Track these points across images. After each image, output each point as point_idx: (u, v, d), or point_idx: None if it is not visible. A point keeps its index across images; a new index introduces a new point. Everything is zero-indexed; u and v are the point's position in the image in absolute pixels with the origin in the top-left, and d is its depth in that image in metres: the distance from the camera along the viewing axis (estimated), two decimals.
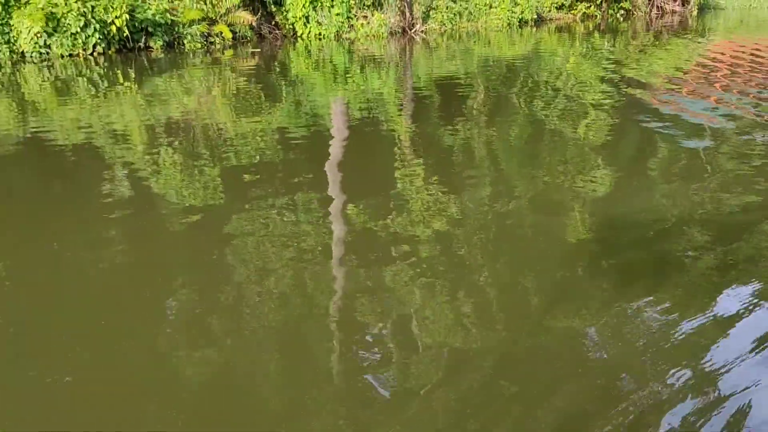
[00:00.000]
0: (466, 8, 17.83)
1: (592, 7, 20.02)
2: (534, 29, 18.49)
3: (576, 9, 19.82)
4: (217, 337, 3.88)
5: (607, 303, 4.02)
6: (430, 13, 17.33)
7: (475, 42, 16.63)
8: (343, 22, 15.98)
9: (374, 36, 16.27)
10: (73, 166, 7.07)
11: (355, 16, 16.24)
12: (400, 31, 16.58)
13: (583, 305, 4.01)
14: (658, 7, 21.71)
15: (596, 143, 7.53)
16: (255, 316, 4.06)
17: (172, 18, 13.90)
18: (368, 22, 16.28)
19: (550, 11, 19.45)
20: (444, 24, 17.40)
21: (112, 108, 9.53)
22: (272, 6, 15.77)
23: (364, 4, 16.27)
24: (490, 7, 18.20)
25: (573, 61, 13.65)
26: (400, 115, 9.34)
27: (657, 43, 16.64)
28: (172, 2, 14.12)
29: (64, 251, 5.02)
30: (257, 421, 3.17)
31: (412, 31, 16.76)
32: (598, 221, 5.31)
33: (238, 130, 8.18)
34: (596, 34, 18.02)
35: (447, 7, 17.44)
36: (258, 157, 7.07)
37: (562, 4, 19.63)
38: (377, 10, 16.44)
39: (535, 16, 18.74)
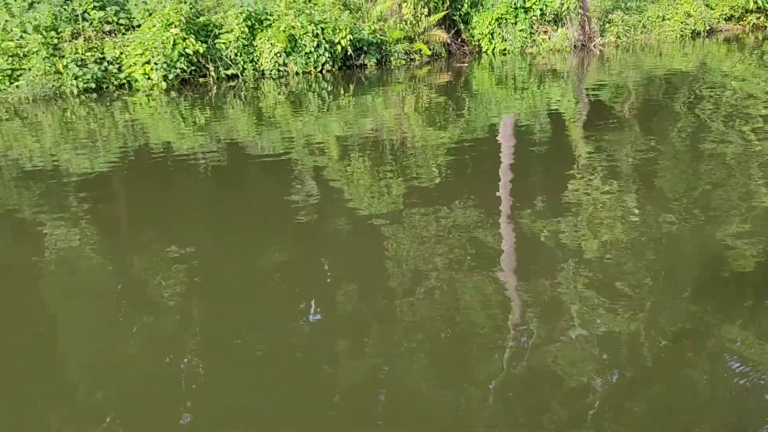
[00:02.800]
0: (640, 21, 18.30)
1: (762, 17, 19.94)
2: (705, 40, 18.70)
3: (745, 20, 19.82)
4: (374, 340, 4.12)
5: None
6: (606, 26, 17.93)
7: (647, 54, 17.07)
8: (526, 38, 16.87)
9: (555, 50, 17.06)
10: (279, 171, 7.94)
11: (537, 31, 17.09)
12: (579, 45, 17.28)
13: (748, 333, 4.01)
14: None
15: (763, 158, 7.55)
16: (416, 321, 4.28)
17: (381, 38, 15.26)
18: (549, 37, 17.09)
19: (719, 22, 19.56)
20: (619, 37, 17.95)
21: (328, 119, 10.87)
22: (461, 24, 16.89)
23: (545, 20, 17.10)
24: (663, 19, 18.58)
25: (741, 73, 13.87)
26: (571, 126, 9.97)
27: None
28: (377, 23, 15.49)
29: (243, 249, 5.56)
30: (410, 426, 3.35)
31: (592, 44, 17.42)
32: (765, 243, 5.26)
33: (422, 141, 9.12)
34: (765, 45, 18.00)
35: (622, 20, 17.99)
36: (436, 167, 7.82)
37: (732, 15, 19.69)
38: (558, 25, 17.22)
39: (708, 27, 18.93)
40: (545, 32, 17.17)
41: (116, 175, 7.97)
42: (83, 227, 6.22)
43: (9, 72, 11.85)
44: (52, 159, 8.63)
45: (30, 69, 11.99)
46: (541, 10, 16.79)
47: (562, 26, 17.16)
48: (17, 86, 11.82)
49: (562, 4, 16.92)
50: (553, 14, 17.09)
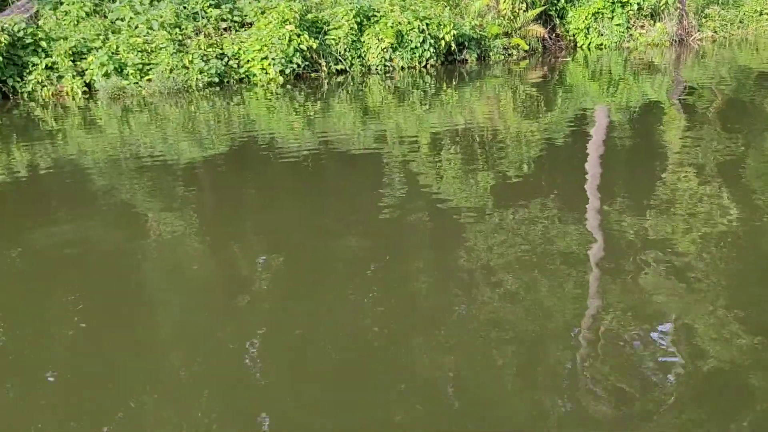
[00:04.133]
0: (737, 16, 18.01)
1: None
2: None
3: None
4: (451, 336, 4.10)
5: None
6: (703, 21, 17.72)
7: (744, 49, 16.80)
8: (623, 32, 16.82)
9: (653, 45, 16.97)
10: (374, 163, 8.14)
11: (634, 26, 17.02)
12: (677, 39, 17.14)
13: None
14: None
15: None
16: (495, 318, 4.23)
17: (481, 33, 15.48)
18: (646, 32, 17.00)
19: None
20: (716, 32, 17.72)
21: (429, 112, 11.15)
22: (556, 19, 16.96)
23: (642, 15, 17.01)
24: (761, 13, 18.24)
25: None
26: (665, 121, 9.88)
27: None
28: (475, 19, 15.72)
29: (329, 240, 5.69)
30: (484, 423, 3.34)
31: (690, 39, 17.25)
32: None
33: (515, 135, 9.24)
34: None
35: (719, 15, 17.74)
36: (526, 160, 7.88)
37: None
38: (655, 19, 17.11)
39: None
40: (642, 27, 17.09)
41: (222, 165, 8.47)
42: (185, 214, 6.59)
43: (140, 66, 12.53)
44: (168, 148, 9.24)
45: (159, 64, 12.65)
46: (638, 4, 16.70)
47: (659, 21, 17.04)
48: (149, 80, 12.49)
49: None
50: (651, 9, 16.98)
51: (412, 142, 9.23)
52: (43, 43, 12.33)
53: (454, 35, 14.58)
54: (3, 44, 11.70)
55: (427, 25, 14.40)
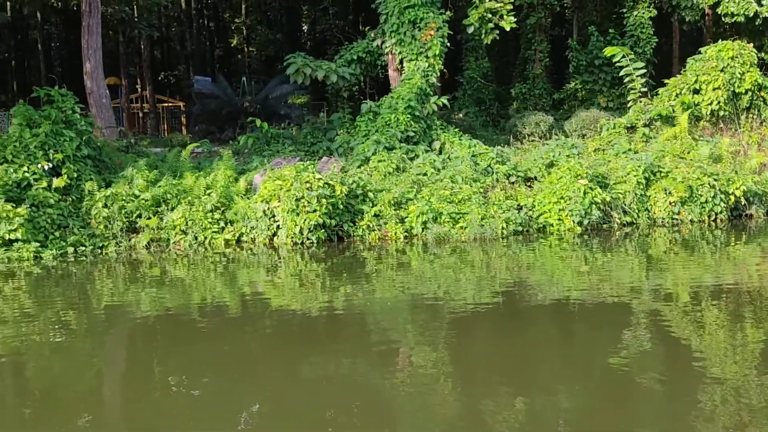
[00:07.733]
0: None
1: None
2: None
3: None
4: None
5: None
6: None
7: None
8: None
9: None
10: (629, 316, 8.18)
11: None
12: None
13: None
14: None
15: None
16: None
17: (764, 189, 15.43)
18: None
19: None
20: None
21: (710, 267, 11.11)
22: None
23: None
24: None
25: None
26: None
27: None
28: (755, 175, 15.76)
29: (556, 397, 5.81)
30: None
31: None
32: None
33: None
34: None
35: None
36: None
37: None
38: None
39: None
40: None
41: (489, 310, 8.85)
42: (441, 355, 7.04)
43: (454, 215, 13.74)
44: (451, 291, 9.96)
45: (468, 213, 13.80)
46: None
47: None
48: (462, 227, 13.60)
49: None
50: None
51: (682, 296, 9.28)
52: (371, 194, 13.99)
53: (744, 191, 14.65)
54: (343, 195, 13.43)
55: (716, 179, 14.64)
